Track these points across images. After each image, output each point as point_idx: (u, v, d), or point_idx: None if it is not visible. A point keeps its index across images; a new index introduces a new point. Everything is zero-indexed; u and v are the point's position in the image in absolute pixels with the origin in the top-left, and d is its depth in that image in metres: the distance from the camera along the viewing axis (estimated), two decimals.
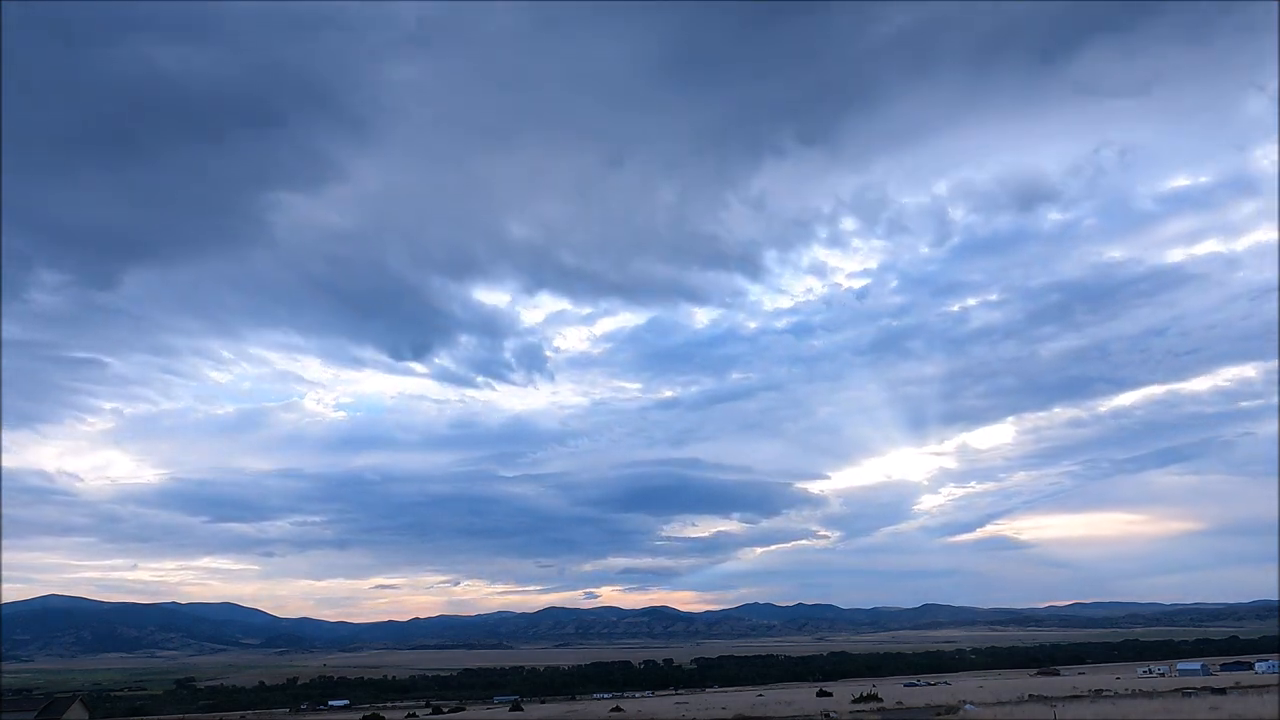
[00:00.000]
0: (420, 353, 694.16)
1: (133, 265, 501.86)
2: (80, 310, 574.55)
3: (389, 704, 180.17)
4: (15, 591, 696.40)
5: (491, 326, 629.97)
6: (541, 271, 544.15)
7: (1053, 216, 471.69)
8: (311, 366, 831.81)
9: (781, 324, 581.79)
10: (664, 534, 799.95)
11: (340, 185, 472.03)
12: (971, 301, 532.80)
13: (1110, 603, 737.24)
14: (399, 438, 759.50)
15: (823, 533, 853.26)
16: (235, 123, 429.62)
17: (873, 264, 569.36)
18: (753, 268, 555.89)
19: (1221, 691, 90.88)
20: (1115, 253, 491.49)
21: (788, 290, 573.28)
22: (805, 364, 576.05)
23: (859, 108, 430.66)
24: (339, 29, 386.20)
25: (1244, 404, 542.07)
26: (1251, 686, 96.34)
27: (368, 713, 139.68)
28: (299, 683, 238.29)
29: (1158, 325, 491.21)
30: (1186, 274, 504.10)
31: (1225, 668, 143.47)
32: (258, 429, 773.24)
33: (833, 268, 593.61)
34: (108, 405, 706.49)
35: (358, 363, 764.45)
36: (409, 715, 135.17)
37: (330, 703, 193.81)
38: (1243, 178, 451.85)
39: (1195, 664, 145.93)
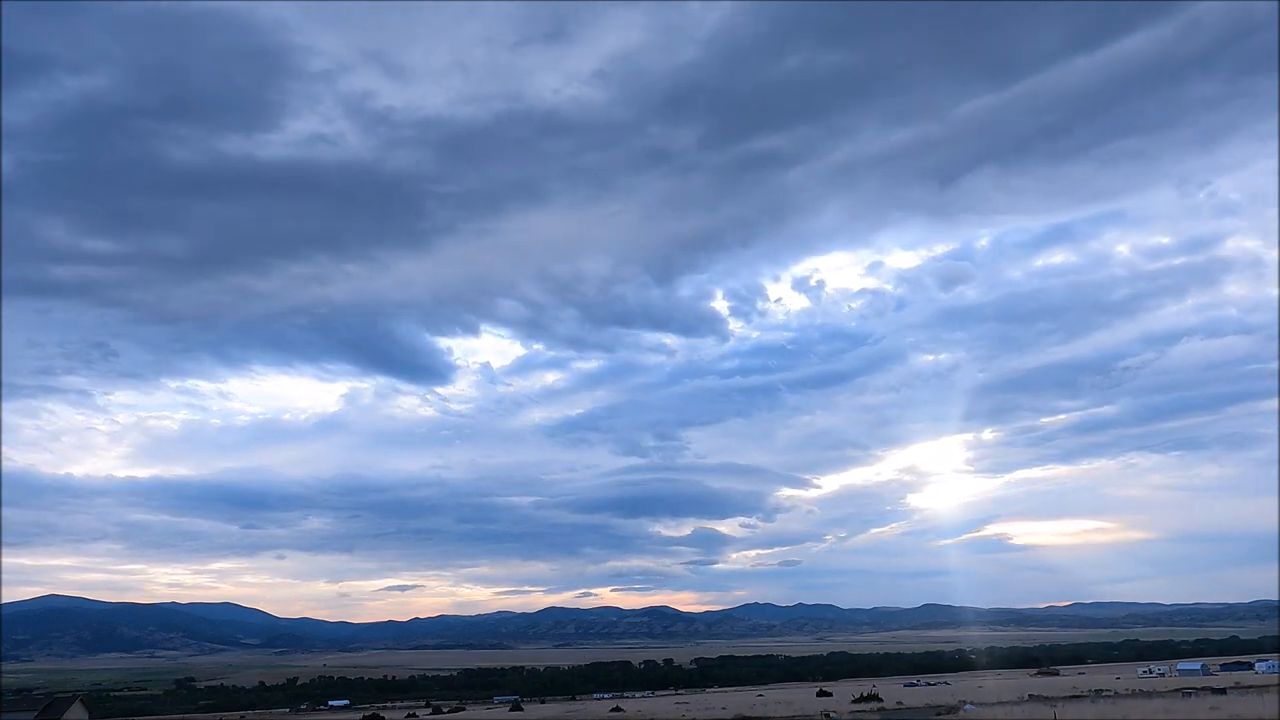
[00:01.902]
0: (424, 391, 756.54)
1: (204, 336, 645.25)
2: (156, 369, 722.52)
3: (389, 704, 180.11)
4: (15, 592, 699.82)
5: (487, 372, 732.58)
6: (532, 335, 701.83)
7: (961, 289, 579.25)
8: (321, 395, 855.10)
9: (731, 364, 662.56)
10: (663, 535, 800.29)
11: (383, 278, 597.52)
12: (910, 340, 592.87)
13: (1110, 603, 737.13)
14: (403, 449, 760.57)
15: (821, 533, 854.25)
16: (315, 246, 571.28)
17: (816, 321, 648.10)
18: (713, 334, 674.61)
19: (1221, 691, 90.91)
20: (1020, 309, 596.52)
21: (744, 345, 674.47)
22: (767, 395, 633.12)
23: (795, 220, 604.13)
24: (416, 180, 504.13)
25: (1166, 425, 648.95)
26: (1251, 686, 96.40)
27: (368, 712, 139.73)
28: (299, 683, 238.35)
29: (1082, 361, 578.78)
30: (1093, 325, 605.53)
31: (1225, 668, 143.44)
32: (265, 442, 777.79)
33: (778, 325, 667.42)
34: (131, 424, 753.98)
35: (366, 394, 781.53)
36: (409, 715, 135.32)
37: (330, 703, 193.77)
38: (1101, 258, 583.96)
39: (1195, 664, 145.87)
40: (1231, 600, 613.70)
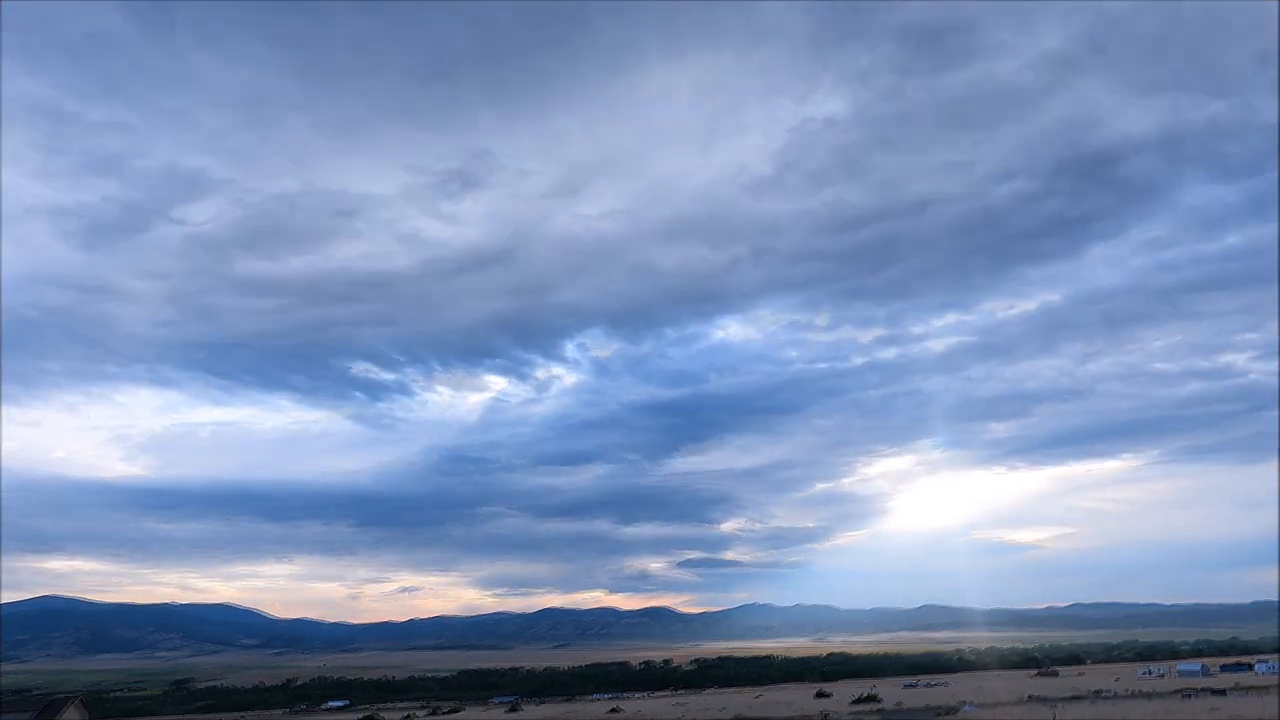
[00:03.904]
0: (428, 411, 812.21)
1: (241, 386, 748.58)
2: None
3: (387, 705, 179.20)
4: (13, 592, 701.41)
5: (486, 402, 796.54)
6: (523, 379, 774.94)
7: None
8: (329, 420, 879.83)
9: (711, 394, 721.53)
10: (661, 537, 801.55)
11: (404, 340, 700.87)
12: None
13: (1109, 603, 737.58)
14: (403, 459, 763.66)
15: (819, 535, 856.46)
16: (355, 332, 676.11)
17: (777, 368, 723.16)
18: (690, 382, 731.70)
19: (1221, 693, 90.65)
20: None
21: (719, 384, 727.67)
22: (746, 417, 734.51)
23: (753, 301, 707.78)
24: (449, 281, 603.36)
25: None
26: (1251, 688, 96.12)
27: (366, 713, 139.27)
28: (296, 683, 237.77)
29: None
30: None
31: (1225, 669, 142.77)
32: (268, 451, 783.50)
33: (746, 368, 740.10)
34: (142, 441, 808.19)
35: (368, 418, 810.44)
36: (407, 716, 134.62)
37: (329, 703, 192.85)
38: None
39: (1195, 665, 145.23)
40: (1231, 601, 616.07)
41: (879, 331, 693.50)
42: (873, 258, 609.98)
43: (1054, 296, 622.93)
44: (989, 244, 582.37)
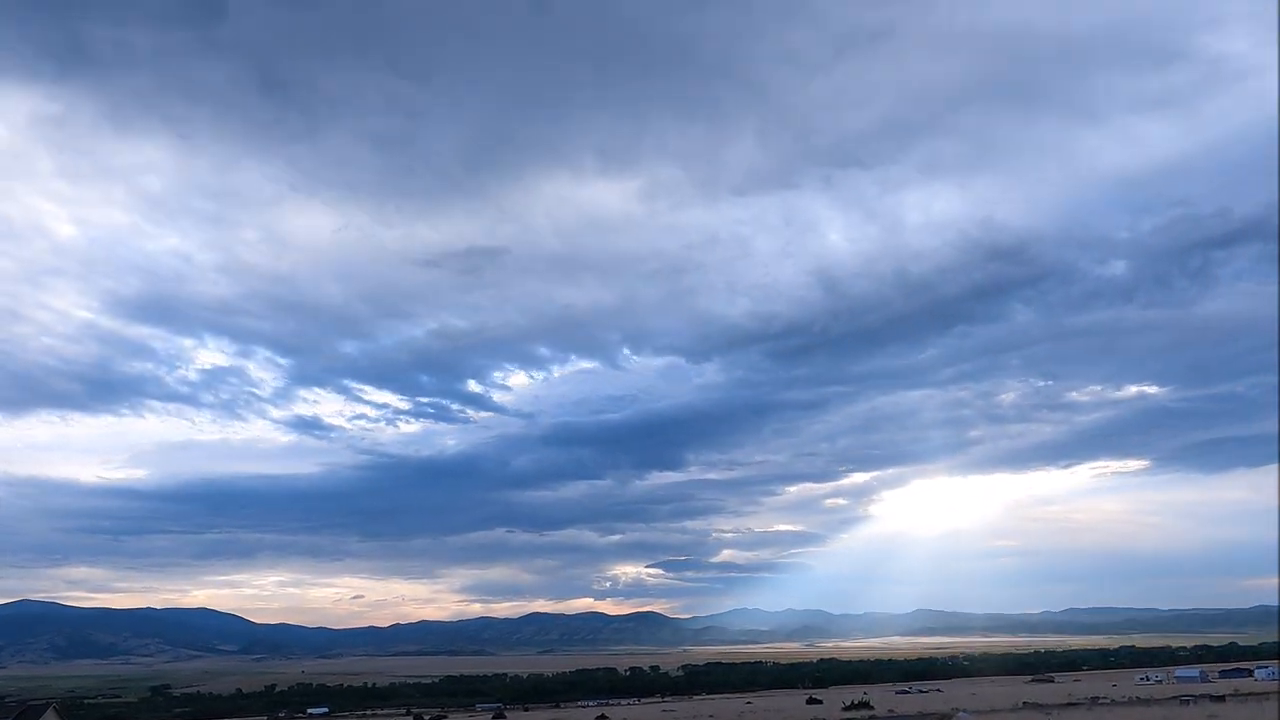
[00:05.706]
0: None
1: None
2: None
3: (370, 711, 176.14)
4: None
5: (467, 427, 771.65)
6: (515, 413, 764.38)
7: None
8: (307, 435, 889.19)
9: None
10: (651, 540, 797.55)
11: None
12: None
13: (1106, 608, 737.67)
14: (392, 463, 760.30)
15: (810, 539, 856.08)
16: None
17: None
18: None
19: (1220, 698, 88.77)
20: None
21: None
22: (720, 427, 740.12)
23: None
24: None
25: None
26: (1251, 694, 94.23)
27: None
28: (277, 689, 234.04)
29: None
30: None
31: (1224, 674, 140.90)
32: (247, 457, 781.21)
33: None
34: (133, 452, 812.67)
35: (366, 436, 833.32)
36: None
37: (310, 710, 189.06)
38: None
39: (1193, 670, 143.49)
40: (1230, 606, 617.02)
41: (839, 371, 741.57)
42: (826, 321, 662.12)
43: (991, 339, 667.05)
44: (926, 306, 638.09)
